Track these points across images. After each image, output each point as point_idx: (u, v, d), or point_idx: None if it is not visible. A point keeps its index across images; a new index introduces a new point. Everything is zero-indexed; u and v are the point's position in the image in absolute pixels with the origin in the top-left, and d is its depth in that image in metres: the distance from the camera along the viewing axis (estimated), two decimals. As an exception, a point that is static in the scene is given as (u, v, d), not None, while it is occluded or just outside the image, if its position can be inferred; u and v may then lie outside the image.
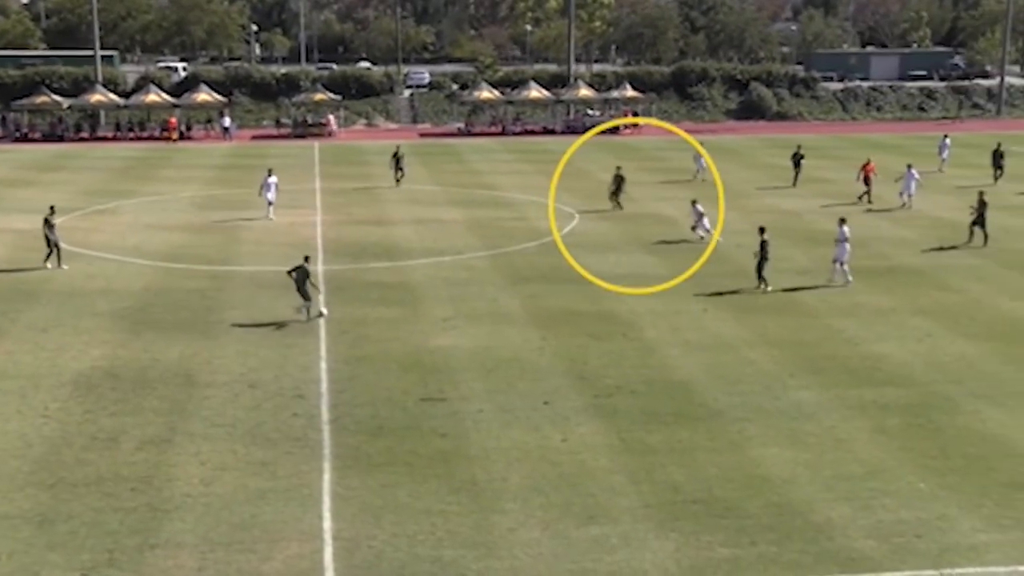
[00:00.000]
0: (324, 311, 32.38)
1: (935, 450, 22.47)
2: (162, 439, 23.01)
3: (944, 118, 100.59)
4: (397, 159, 58.52)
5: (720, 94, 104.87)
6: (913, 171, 51.22)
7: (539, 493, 20.41)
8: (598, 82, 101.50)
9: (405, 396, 25.64)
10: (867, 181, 52.63)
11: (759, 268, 35.17)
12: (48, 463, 21.80)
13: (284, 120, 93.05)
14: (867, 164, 53.43)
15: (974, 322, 31.98)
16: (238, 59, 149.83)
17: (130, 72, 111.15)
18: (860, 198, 52.57)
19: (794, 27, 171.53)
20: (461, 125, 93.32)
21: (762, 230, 35.25)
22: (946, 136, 65.60)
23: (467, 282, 36.82)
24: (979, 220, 42.70)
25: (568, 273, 38.05)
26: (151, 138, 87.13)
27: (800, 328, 31.26)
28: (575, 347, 29.44)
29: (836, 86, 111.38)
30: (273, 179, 49.12)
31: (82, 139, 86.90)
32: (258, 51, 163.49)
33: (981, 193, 43.86)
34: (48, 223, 38.69)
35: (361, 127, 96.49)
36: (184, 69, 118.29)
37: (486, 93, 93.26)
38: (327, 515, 19.54)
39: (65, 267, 38.47)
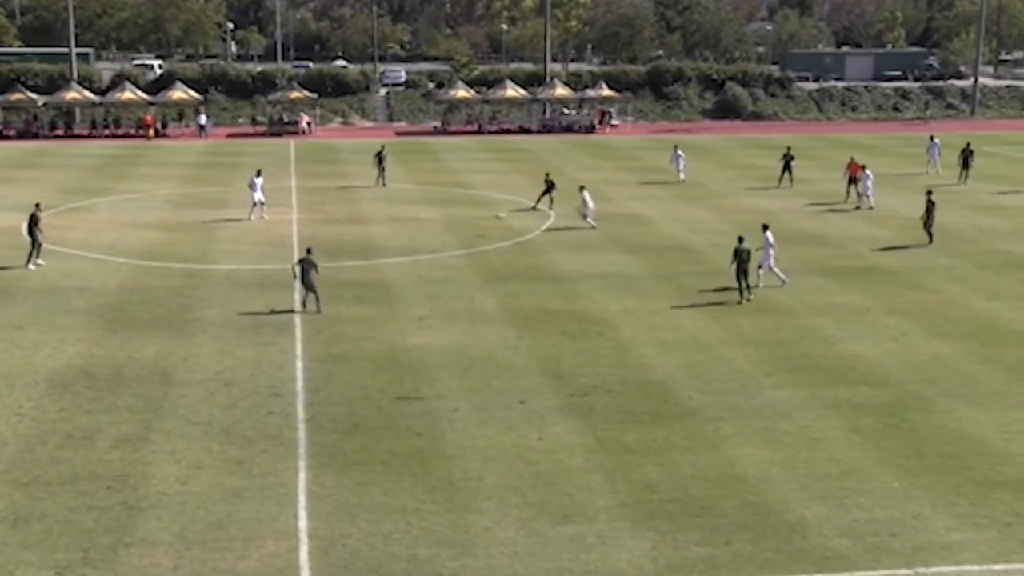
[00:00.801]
0: (298, 308, 32.39)
1: (909, 449, 22.61)
2: (138, 437, 22.94)
3: (918, 118, 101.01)
4: (380, 159, 58.37)
5: (696, 94, 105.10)
6: (868, 171, 51.65)
7: (515, 492, 20.44)
8: (574, 81, 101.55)
9: (381, 395, 25.63)
10: (852, 180, 52.92)
11: (743, 275, 33.93)
12: (22, 461, 21.70)
13: (260, 118, 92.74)
14: (852, 163, 53.64)
15: (949, 322, 32.18)
16: (214, 57, 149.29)
17: (106, 69, 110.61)
18: (847, 199, 52.59)
19: (769, 27, 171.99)
20: (437, 124, 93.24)
21: (740, 239, 34.28)
22: (933, 137, 65.22)
23: (443, 281, 36.81)
24: (928, 219, 42.99)
25: (544, 272, 38.09)
26: (126, 136, 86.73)
27: (776, 327, 31.38)
28: (551, 346, 29.49)
29: (811, 86, 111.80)
30: (259, 179, 48.90)
31: (57, 136, 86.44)
32: (234, 49, 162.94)
33: (929, 192, 44.15)
34: (34, 220, 38.61)
35: (337, 125, 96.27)
36: (160, 67, 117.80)
37: (462, 92, 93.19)
38: (303, 513, 19.53)
39: (41, 262, 38.29)
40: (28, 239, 38.82)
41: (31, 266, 38.20)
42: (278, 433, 23.24)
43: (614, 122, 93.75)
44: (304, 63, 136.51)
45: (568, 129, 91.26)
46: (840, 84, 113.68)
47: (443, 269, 38.56)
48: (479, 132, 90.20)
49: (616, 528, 19.07)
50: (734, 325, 31.55)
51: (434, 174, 64.02)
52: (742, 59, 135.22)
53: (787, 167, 58.15)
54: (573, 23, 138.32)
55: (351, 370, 27.36)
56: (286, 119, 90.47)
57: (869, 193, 51.20)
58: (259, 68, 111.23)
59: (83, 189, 57.58)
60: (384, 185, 57.81)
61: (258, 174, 49.87)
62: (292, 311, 31.99)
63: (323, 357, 28.36)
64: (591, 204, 45.96)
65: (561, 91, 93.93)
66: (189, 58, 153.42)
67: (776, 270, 36.15)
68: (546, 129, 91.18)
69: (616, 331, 30.96)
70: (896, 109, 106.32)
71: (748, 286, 34.18)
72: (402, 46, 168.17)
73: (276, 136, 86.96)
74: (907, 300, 34.64)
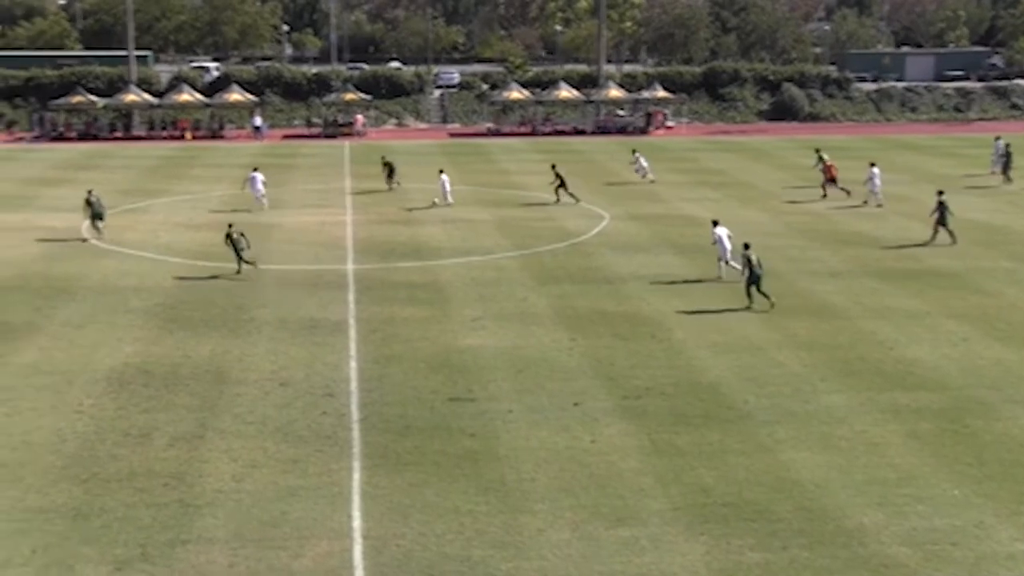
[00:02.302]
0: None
1: (970, 456, 22.26)
2: (194, 435, 23.12)
3: (982, 119, 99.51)
4: (389, 167, 57.80)
5: (752, 95, 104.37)
6: (875, 169, 51.98)
7: (568, 494, 20.37)
8: (628, 82, 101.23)
9: (434, 396, 25.65)
10: (833, 180, 53.79)
11: (752, 284, 33.39)
12: (82, 458, 21.94)
13: (315, 120, 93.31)
14: (829, 166, 54.58)
15: (1011, 326, 31.65)
16: (270, 59, 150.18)
17: (164, 72, 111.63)
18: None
19: (827, 27, 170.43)
20: (490, 125, 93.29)
21: (747, 246, 33.67)
22: (999, 138, 64.06)
23: (496, 282, 36.81)
24: (941, 219, 42.64)
25: (597, 274, 37.98)
26: (183, 137, 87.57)
27: (831, 331, 31.06)
28: (604, 348, 29.38)
29: (870, 87, 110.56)
30: (259, 175, 51.97)
31: (116, 138, 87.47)
32: (289, 51, 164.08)
33: (940, 192, 43.67)
34: (88, 202, 43.90)
35: (391, 127, 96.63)
36: (216, 69, 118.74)
37: (516, 93, 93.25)
38: (356, 513, 19.58)
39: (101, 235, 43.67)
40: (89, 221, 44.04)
41: (89, 235, 43.95)
42: (332, 433, 23.33)
43: (669, 123, 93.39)
44: (359, 65, 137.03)
45: (622, 131, 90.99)
46: (900, 85, 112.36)
47: (496, 270, 38.56)
48: (533, 134, 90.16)
49: (669, 532, 18.95)
50: (788, 328, 31.27)
51: (487, 175, 64.06)
52: (799, 60, 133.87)
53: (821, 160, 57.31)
54: (627, 24, 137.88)
55: (404, 371, 27.41)
56: (340, 121, 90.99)
57: (877, 190, 51.47)
58: (314, 70, 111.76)
59: (140, 190, 58.20)
60: (399, 184, 57.40)
61: (255, 170, 52.45)
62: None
63: (376, 358, 28.43)
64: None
65: (615, 92, 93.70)
66: (245, 60, 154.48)
67: (733, 263, 36.12)
68: (600, 130, 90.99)
69: (669, 333, 30.79)
70: (958, 110, 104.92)
71: (762, 291, 33.27)
72: (456, 47, 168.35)
73: (331, 138, 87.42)
74: (966, 304, 34.14)
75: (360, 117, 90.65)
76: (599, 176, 62.35)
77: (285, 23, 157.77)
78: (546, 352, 29.01)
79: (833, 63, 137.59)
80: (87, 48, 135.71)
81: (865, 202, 51.75)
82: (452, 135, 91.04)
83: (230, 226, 38.53)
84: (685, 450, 22.46)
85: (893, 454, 22.29)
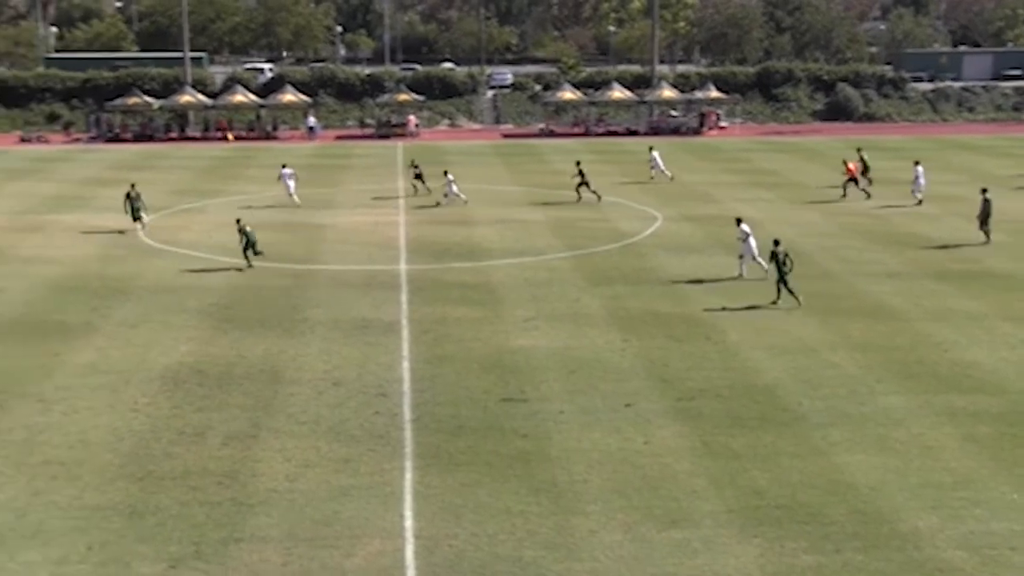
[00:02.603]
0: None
1: (1028, 459, 21.96)
2: (247, 435, 23.28)
3: None
4: (418, 172, 56.35)
5: (806, 95, 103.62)
6: (919, 167, 52.08)
7: (620, 495, 20.30)
8: (681, 83, 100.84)
9: (486, 396, 25.66)
10: (855, 180, 53.83)
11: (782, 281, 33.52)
12: (138, 456, 22.17)
13: (368, 120, 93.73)
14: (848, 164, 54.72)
15: (1068, 329, 31.20)
16: (323, 60, 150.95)
17: (218, 73, 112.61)
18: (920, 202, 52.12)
19: (883, 26, 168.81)
20: (543, 126, 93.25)
21: (776, 242, 33.78)
22: None
23: (549, 282, 36.77)
24: (982, 217, 42.58)
25: (650, 275, 37.85)
26: (237, 138, 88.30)
27: (887, 332, 30.73)
28: (657, 349, 29.26)
29: (926, 86, 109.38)
30: (288, 170, 54.17)
31: (171, 139, 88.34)
32: (343, 52, 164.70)
33: (984, 191, 43.26)
34: (129, 196, 45.11)
35: (444, 127, 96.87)
36: (270, 70, 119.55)
37: (569, 94, 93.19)
38: (408, 513, 19.62)
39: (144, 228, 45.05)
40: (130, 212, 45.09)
41: (138, 227, 45.02)
42: (385, 433, 23.40)
43: (722, 124, 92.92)
44: (412, 66, 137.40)
45: (675, 131, 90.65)
46: (956, 84, 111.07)
47: (548, 271, 38.52)
48: (586, 134, 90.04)
49: (723, 534, 18.83)
50: (843, 329, 30.98)
51: (540, 176, 64.02)
52: (854, 59, 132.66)
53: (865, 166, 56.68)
54: (681, 24, 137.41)
55: (456, 371, 27.44)
56: (394, 121, 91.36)
57: (920, 189, 51.79)
58: (367, 71, 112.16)
59: (195, 190, 58.74)
60: (428, 190, 55.58)
61: (284, 166, 54.81)
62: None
63: (429, 358, 28.49)
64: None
65: (668, 93, 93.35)
66: (299, 61, 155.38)
67: (759, 260, 36.44)
68: (653, 131, 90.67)
69: (723, 335, 30.61)
70: (1016, 109, 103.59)
71: (789, 289, 33.38)
72: (509, 48, 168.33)
73: (384, 138, 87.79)
74: (1025, 306, 33.68)
75: (412, 118, 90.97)
76: (650, 177, 62.04)
77: (339, 24, 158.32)
78: (599, 353, 28.94)
79: (889, 63, 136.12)
80: (143, 50, 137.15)
81: (920, 201, 51.25)
82: (505, 136, 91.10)
83: (238, 221, 39.83)
84: (739, 452, 22.32)
85: (949, 457, 22.01)
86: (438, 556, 18.13)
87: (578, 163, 55.06)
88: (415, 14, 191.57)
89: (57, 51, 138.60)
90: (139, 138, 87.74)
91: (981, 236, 42.51)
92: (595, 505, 19.92)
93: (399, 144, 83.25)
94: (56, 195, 57.14)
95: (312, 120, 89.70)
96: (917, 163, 52.96)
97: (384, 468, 21.56)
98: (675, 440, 22.97)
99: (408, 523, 19.26)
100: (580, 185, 53.27)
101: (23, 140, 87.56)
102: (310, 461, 21.90)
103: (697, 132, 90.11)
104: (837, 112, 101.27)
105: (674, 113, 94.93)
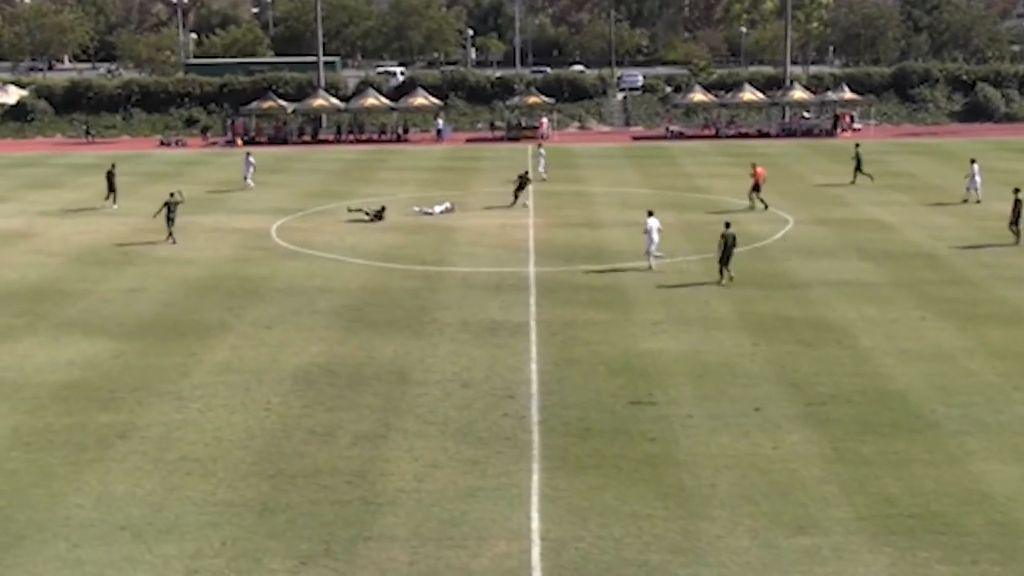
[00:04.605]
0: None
1: None
2: (376, 435, 23.60)
3: None
4: (522, 181, 54.07)
5: (943, 95, 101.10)
6: (975, 166, 52.14)
7: (748, 501, 20.10)
8: (814, 84, 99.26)
9: (614, 399, 25.61)
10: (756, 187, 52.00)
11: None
12: (269, 454, 22.63)
13: (498, 123, 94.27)
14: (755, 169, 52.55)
15: None
16: (454, 63, 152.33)
17: (351, 77, 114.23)
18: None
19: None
20: (673, 128, 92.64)
21: (727, 224, 36.03)
22: None
23: (678, 286, 36.54)
24: (1015, 219, 42.24)
25: (781, 279, 37.36)
26: (369, 140, 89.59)
27: (1027, 339, 29.88)
28: (787, 353, 28.88)
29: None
30: (252, 159, 61.76)
31: (304, 142, 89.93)
32: (474, 55, 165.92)
33: (1016, 191, 42.57)
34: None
35: (574, 130, 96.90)
36: (402, 73, 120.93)
37: (699, 96, 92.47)
38: (535, 515, 19.69)
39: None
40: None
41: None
42: (512, 435, 23.51)
43: (856, 126, 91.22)
44: (542, 68, 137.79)
45: (808, 133, 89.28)
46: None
47: (678, 274, 38.27)
48: (716, 136, 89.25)
49: (853, 542, 18.51)
50: (981, 336, 30.19)
51: (670, 179, 63.63)
52: (995, 59, 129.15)
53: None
54: (814, 24, 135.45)
55: (585, 374, 27.45)
56: (524, 124, 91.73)
57: (976, 187, 51.99)
58: (498, 74, 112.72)
59: (328, 193, 59.69)
60: (526, 204, 53.37)
61: (248, 154, 62.30)
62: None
63: (557, 360, 28.54)
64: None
65: (800, 94, 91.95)
66: (430, 64, 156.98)
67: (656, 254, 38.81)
68: (785, 133, 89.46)
69: (855, 339, 30.08)
70: None
71: (727, 271, 36.27)
72: (640, 50, 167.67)
73: (514, 140, 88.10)
74: None
75: (545, 120, 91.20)
76: (784, 180, 61.26)
77: (470, 28, 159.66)
78: (728, 357, 28.67)
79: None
80: (278, 55, 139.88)
81: (965, 200, 51.78)
82: (635, 138, 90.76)
83: (171, 194, 43.05)
84: (870, 459, 21.91)
85: (1093, 469, 21.32)
86: (564, 558, 18.16)
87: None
88: (546, 17, 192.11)
89: (196, 57, 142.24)
90: (273, 141, 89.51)
91: None
92: (722, 510, 19.75)
93: (529, 147, 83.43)
94: (192, 197, 58.51)
95: (440, 123, 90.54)
96: (973, 161, 52.85)
97: (511, 470, 21.67)
98: (804, 446, 22.65)
99: (535, 525, 19.32)
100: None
101: (163, 144, 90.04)
102: (438, 462, 22.12)
103: (830, 134, 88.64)
104: (976, 113, 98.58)
105: (807, 115, 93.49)
